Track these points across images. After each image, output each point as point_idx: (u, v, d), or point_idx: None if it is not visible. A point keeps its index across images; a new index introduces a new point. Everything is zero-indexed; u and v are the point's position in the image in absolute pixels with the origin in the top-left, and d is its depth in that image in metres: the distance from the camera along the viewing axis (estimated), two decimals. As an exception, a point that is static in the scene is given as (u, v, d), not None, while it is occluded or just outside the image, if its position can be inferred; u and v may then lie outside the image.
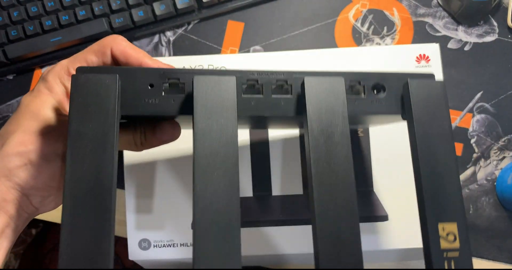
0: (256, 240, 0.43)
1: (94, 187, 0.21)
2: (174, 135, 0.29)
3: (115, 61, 0.28)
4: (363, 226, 0.43)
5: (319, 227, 0.23)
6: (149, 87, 0.24)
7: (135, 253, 0.43)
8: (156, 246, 0.43)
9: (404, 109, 0.26)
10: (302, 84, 0.25)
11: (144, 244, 0.43)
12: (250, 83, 0.25)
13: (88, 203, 0.21)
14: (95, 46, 0.28)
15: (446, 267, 0.23)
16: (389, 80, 0.26)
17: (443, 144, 0.25)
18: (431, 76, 0.27)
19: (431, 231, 0.23)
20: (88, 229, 0.21)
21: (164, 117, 0.27)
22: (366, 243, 0.43)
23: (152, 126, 0.28)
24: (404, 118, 0.26)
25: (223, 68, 0.45)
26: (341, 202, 0.22)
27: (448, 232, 0.24)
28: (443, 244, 0.23)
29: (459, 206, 0.24)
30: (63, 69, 0.28)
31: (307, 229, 0.43)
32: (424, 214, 0.24)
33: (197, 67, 0.45)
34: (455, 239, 0.24)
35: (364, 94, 0.26)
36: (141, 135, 0.28)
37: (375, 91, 0.26)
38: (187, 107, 0.25)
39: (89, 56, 0.28)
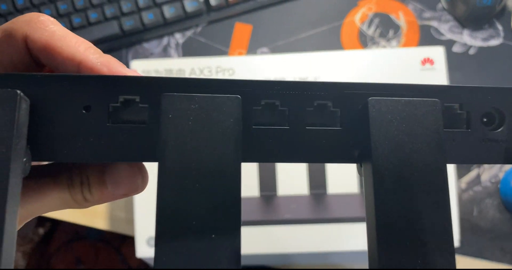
0: (262, 239, 0.44)
1: None
2: (137, 186, 0.18)
3: (35, 59, 0.17)
4: (363, 225, 0.43)
5: None
6: (84, 111, 0.14)
7: (143, 251, 0.44)
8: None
9: None
10: (365, 110, 0.14)
11: (152, 242, 0.44)
12: (267, 104, 0.15)
13: None
14: None
15: None
16: (510, 101, 0.15)
17: None
18: None
19: None
20: None
21: None
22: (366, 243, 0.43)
23: (99, 172, 0.17)
24: None
25: (230, 71, 0.46)
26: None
27: None
28: None
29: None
30: None
31: (312, 229, 0.44)
32: None
33: (205, 70, 0.46)
34: None
35: (468, 127, 0.16)
36: (83, 188, 0.17)
37: (487, 124, 0.16)
38: (150, 149, 0.15)
39: None
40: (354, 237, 0.43)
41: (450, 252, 0.13)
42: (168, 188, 0.13)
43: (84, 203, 0.18)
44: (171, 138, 0.13)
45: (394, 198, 0.13)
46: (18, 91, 0.12)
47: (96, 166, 0.17)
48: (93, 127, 0.14)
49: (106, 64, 0.16)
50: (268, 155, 0.15)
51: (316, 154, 0.15)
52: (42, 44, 0.15)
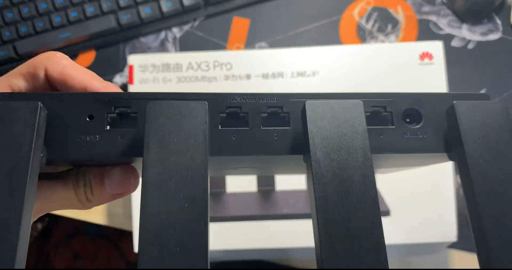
0: (260, 234, 0.44)
1: None
2: (129, 186, 0.22)
3: (52, 85, 0.22)
4: (365, 221, 0.43)
5: None
6: (88, 120, 0.18)
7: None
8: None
9: (450, 146, 0.19)
10: (303, 111, 0.18)
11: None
12: (231, 111, 0.19)
13: None
14: (24, 66, 0.21)
15: None
16: (426, 104, 0.19)
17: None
18: (483, 96, 0.20)
19: None
20: None
21: (115, 161, 0.21)
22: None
23: (99, 175, 0.21)
24: (451, 159, 0.19)
25: (228, 65, 0.46)
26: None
27: None
28: None
29: None
30: None
31: (309, 224, 0.44)
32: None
33: (202, 64, 0.46)
34: None
35: (393, 124, 0.19)
36: (86, 189, 0.21)
37: (407, 119, 0.20)
38: (139, 147, 0.18)
39: (14, 80, 0.21)
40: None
41: (378, 245, 0.16)
42: (149, 178, 0.16)
43: (87, 203, 0.21)
44: (153, 135, 0.16)
45: (330, 189, 0.16)
46: (39, 103, 0.17)
47: (96, 170, 0.21)
48: (95, 131, 0.18)
49: (106, 87, 0.22)
50: (233, 149, 0.18)
51: (271, 148, 0.19)
52: (58, 73, 0.21)
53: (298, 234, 0.44)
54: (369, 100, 0.19)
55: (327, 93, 0.19)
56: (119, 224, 0.51)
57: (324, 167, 0.17)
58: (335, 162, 0.17)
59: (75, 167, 0.22)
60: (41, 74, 0.21)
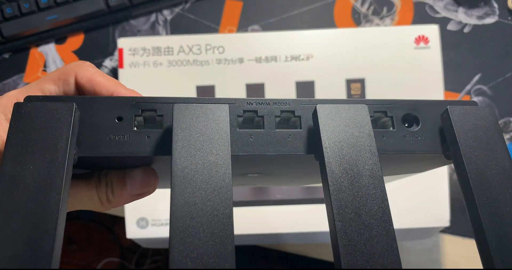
0: (254, 219, 0.43)
1: (26, 256, 0.15)
2: (150, 187, 0.23)
3: (81, 91, 0.23)
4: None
5: None
6: (117, 121, 0.20)
7: (133, 232, 0.44)
8: (154, 224, 0.44)
9: (446, 145, 0.21)
10: (315, 114, 0.20)
11: (142, 223, 0.44)
12: (247, 116, 0.21)
13: None
14: (55, 73, 0.23)
15: None
16: (423, 109, 0.21)
17: (507, 185, 0.19)
18: (473, 102, 0.22)
19: None
20: None
21: (136, 162, 0.22)
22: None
23: (121, 177, 0.23)
24: (447, 157, 0.21)
25: (220, 49, 0.45)
26: (380, 266, 0.17)
27: None
28: None
29: None
30: (11, 101, 0.22)
31: (303, 209, 0.44)
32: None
33: (194, 47, 0.45)
34: None
35: (393, 127, 0.21)
36: (107, 189, 0.22)
37: (406, 124, 0.21)
38: (165, 146, 0.20)
39: (46, 85, 0.23)
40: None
41: (394, 253, 0.17)
42: (178, 172, 0.17)
43: (107, 204, 0.23)
44: (180, 135, 0.18)
45: (343, 183, 0.18)
46: (74, 103, 0.18)
47: (118, 172, 0.23)
48: (124, 132, 0.20)
49: (131, 93, 0.23)
50: (251, 149, 0.20)
51: (285, 148, 0.20)
52: (87, 80, 0.23)
53: (291, 220, 0.44)
54: (371, 105, 0.21)
55: (334, 99, 0.21)
56: (111, 210, 0.51)
57: (336, 163, 0.18)
58: (345, 158, 0.19)
59: (93, 172, 0.23)
60: (72, 80, 0.23)
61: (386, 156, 0.21)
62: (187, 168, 0.17)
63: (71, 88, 0.23)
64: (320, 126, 0.19)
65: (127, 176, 0.22)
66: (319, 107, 0.20)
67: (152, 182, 0.23)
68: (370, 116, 0.21)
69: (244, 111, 0.21)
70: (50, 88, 0.23)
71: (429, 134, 0.21)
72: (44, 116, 0.18)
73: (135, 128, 0.20)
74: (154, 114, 0.20)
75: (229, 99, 0.20)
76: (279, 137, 0.20)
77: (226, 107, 0.19)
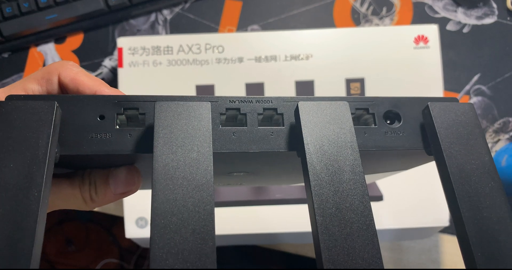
0: (253, 219, 0.43)
1: (5, 254, 0.15)
2: (133, 186, 0.23)
3: (64, 90, 0.23)
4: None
5: None
6: (99, 119, 0.20)
7: (132, 232, 0.44)
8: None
9: (427, 142, 0.21)
10: (296, 111, 0.20)
11: (141, 222, 0.44)
12: (230, 113, 0.21)
13: None
14: (38, 72, 0.23)
15: None
16: (404, 106, 0.22)
17: (486, 180, 0.19)
18: (453, 99, 0.22)
19: None
20: None
21: (119, 161, 0.22)
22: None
23: (104, 176, 0.23)
24: (429, 153, 0.21)
25: (220, 48, 0.45)
26: (361, 261, 0.17)
27: None
28: None
29: None
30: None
31: (300, 209, 0.43)
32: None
33: (193, 47, 0.45)
34: None
35: (375, 124, 0.21)
36: (90, 188, 0.22)
37: (388, 121, 0.22)
38: (147, 144, 0.20)
39: (29, 85, 0.23)
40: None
41: (374, 247, 0.17)
42: (159, 169, 0.17)
43: (90, 203, 0.23)
44: (162, 133, 0.18)
45: (324, 178, 0.18)
46: (55, 102, 0.18)
47: (101, 172, 0.23)
48: (106, 130, 0.19)
49: (114, 92, 0.23)
50: (233, 146, 0.20)
51: (267, 145, 0.20)
52: (71, 79, 0.23)
53: (290, 219, 0.44)
54: (353, 103, 0.21)
55: (316, 97, 0.21)
56: (110, 210, 0.51)
57: (317, 159, 0.19)
58: (326, 154, 0.19)
59: (80, 170, 0.23)
60: (55, 79, 0.23)
61: (370, 153, 0.21)
62: (168, 165, 0.17)
63: (55, 87, 0.23)
64: (301, 123, 0.19)
65: (110, 175, 0.23)
66: (300, 104, 0.20)
67: (135, 181, 0.23)
68: (352, 113, 0.21)
69: (227, 109, 0.21)
70: (33, 87, 0.23)
71: (411, 130, 0.21)
72: (25, 115, 0.18)
73: (117, 127, 0.20)
74: (136, 112, 0.20)
75: (212, 97, 0.21)
76: (262, 135, 0.20)
77: (208, 104, 0.19)
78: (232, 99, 0.21)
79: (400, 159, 0.25)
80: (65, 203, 0.23)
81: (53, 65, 0.23)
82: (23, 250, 0.15)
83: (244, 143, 0.20)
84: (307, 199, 0.19)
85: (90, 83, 0.23)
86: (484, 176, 0.19)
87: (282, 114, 0.21)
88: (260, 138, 0.20)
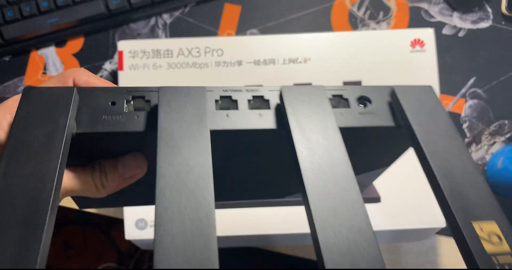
0: (247, 221, 0.44)
1: (26, 205, 0.18)
2: (139, 169, 0.26)
3: None
4: (355, 207, 0.44)
5: (324, 248, 0.17)
6: (111, 105, 0.23)
7: (131, 233, 0.44)
8: (153, 225, 0.44)
9: (396, 118, 0.24)
10: (281, 95, 0.23)
11: (141, 224, 0.44)
12: (224, 101, 0.24)
13: (14, 229, 0.17)
14: (54, 78, 0.26)
15: None
16: (373, 92, 0.25)
17: (450, 140, 0.22)
18: (416, 85, 0.25)
19: (467, 232, 0.18)
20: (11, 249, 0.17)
21: (127, 146, 0.25)
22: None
23: (112, 163, 0.26)
24: (398, 126, 0.24)
25: (219, 51, 0.45)
26: (344, 215, 0.18)
27: (489, 233, 0.19)
28: (488, 247, 0.18)
29: (493, 204, 0.20)
30: (15, 103, 0.24)
31: (296, 210, 0.44)
32: (450, 213, 0.19)
33: (193, 50, 0.45)
34: (500, 239, 0.19)
35: (349, 107, 0.24)
36: (101, 174, 0.25)
37: (361, 104, 0.24)
38: (152, 123, 0.22)
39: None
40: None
41: (358, 201, 0.19)
42: (163, 138, 0.20)
43: (102, 189, 0.25)
44: (164, 112, 0.21)
45: (310, 149, 0.20)
46: (75, 88, 0.22)
47: (110, 161, 0.26)
48: (116, 113, 0.22)
49: None
50: (226, 124, 0.23)
51: (257, 123, 0.23)
52: (84, 81, 0.26)
53: (288, 221, 0.44)
54: (329, 91, 0.24)
55: (298, 84, 0.24)
56: (108, 212, 0.51)
57: (300, 134, 0.21)
58: (307, 131, 0.21)
59: (88, 160, 0.26)
60: (70, 82, 0.26)
61: (352, 144, 0.23)
62: (170, 136, 0.20)
63: None
64: (285, 103, 0.22)
65: (118, 163, 0.25)
66: (284, 89, 0.23)
67: (141, 164, 0.26)
68: (330, 99, 0.24)
69: (221, 97, 0.23)
70: None
71: (381, 110, 0.24)
72: (50, 98, 0.21)
73: (126, 110, 0.23)
74: (143, 99, 0.23)
75: (207, 87, 0.23)
76: (252, 115, 0.23)
77: (204, 89, 0.22)
78: (225, 89, 0.24)
79: (379, 146, 0.28)
80: (78, 188, 0.25)
81: (67, 71, 0.26)
82: (43, 201, 0.18)
83: (236, 122, 0.23)
84: (295, 168, 0.20)
85: (102, 84, 0.26)
86: (448, 139, 0.22)
87: (268, 100, 0.24)
88: (251, 118, 0.23)
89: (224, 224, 0.43)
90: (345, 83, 0.45)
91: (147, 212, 0.44)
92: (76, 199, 0.30)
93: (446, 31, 0.52)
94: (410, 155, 0.40)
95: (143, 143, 0.24)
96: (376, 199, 0.44)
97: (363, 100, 0.24)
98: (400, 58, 0.45)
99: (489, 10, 0.52)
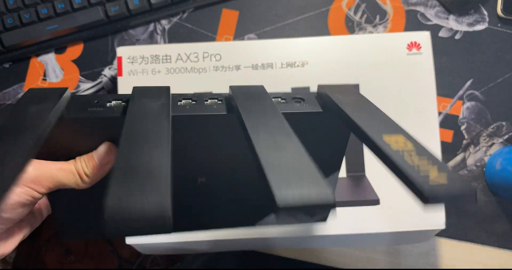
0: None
1: None
2: (112, 155, 0.30)
3: None
4: (354, 210, 0.44)
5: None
6: (96, 102, 0.28)
7: (132, 238, 0.44)
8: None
9: (324, 106, 0.30)
10: (230, 88, 0.29)
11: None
12: (185, 100, 0.29)
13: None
14: None
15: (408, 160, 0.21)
16: (304, 95, 0.30)
17: (374, 112, 0.27)
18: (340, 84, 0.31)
19: (378, 141, 0.22)
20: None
21: (101, 136, 0.30)
22: (358, 227, 0.44)
23: (90, 155, 0.30)
24: (325, 111, 0.29)
25: (217, 56, 0.46)
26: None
27: (397, 140, 0.22)
28: (395, 146, 0.22)
29: None
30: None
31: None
32: (362, 132, 0.23)
33: (191, 55, 0.46)
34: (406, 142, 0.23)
35: (287, 102, 0.30)
36: (81, 163, 0.29)
37: (295, 101, 0.30)
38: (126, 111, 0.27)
39: None
40: (337, 221, 0.44)
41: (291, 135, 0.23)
42: (129, 121, 0.23)
43: (85, 177, 0.29)
44: (134, 97, 0.26)
45: (254, 120, 0.24)
46: (68, 88, 0.28)
47: (87, 155, 0.30)
48: (99, 106, 0.28)
49: None
50: (186, 111, 0.28)
51: (212, 110, 0.28)
52: None
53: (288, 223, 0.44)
54: (271, 94, 0.29)
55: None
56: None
57: (246, 109, 0.25)
58: (253, 112, 0.25)
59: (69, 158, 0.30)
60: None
61: (286, 114, 0.27)
62: (136, 114, 0.24)
63: None
64: (234, 96, 0.27)
65: (93, 152, 0.30)
66: (231, 86, 0.29)
67: (113, 151, 0.30)
68: (272, 99, 0.29)
69: (183, 98, 0.29)
70: None
71: (311, 103, 0.30)
72: (46, 91, 0.26)
73: (107, 105, 0.28)
74: (121, 101, 0.28)
75: (173, 93, 0.28)
76: (208, 106, 0.28)
77: (168, 87, 0.28)
78: (185, 95, 0.29)
79: (321, 140, 0.32)
80: (67, 177, 0.29)
81: None
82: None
83: (195, 110, 0.28)
84: (244, 137, 0.23)
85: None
86: (369, 110, 0.27)
87: (222, 100, 0.29)
88: (207, 107, 0.28)
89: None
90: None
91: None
92: (61, 230, 0.35)
93: (442, 33, 0.52)
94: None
95: (115, 133, 0.27)
96: (375, 202, 0.44)
97: (298, 99, 0.30)
98: (397, 61, 0.45)
99: (485, 12, 0.52)
